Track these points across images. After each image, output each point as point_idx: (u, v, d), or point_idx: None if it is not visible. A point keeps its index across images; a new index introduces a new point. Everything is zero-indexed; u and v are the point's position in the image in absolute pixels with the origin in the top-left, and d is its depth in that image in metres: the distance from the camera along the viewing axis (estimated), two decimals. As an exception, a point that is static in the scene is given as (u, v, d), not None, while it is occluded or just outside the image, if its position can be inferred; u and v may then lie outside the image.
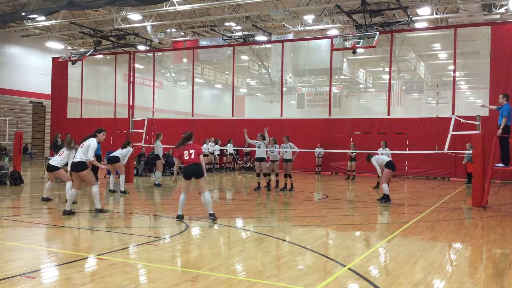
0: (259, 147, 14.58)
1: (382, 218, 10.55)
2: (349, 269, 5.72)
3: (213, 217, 8.86)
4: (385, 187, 12.21)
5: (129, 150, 14.24)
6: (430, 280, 5.41)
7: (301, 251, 6.71)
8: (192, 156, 8.84)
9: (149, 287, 4.98)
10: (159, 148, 15.99)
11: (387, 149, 15.57)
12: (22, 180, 15.25)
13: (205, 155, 21.84)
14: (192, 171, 8.83)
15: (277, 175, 14.97)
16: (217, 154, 23.45)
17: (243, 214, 10.55)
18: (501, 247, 7.26)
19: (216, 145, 22.95)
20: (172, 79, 32.50)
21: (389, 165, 12.18)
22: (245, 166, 24.86)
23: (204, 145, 22.01)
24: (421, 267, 5.90)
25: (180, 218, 8.88)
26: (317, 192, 15.90)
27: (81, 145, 9.57)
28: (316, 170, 23.08)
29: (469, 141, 15.36)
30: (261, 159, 14.67)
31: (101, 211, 9.57)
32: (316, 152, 22.15)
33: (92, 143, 9.44)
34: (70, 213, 9.39)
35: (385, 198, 12.22)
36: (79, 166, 9.33)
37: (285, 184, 14.92)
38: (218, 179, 19.54)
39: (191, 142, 9.05)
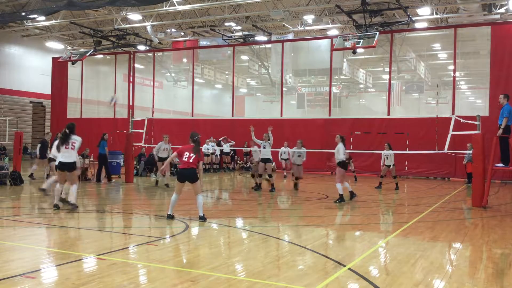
0: (264, 147, 14.55)
1: (382, 218, 10.55)
2: (349, 269, 5.72)
3: (202, 220, 8.86)
4: (338, 187, 12.07)
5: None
6: (430, 280, 5.41)
7: (301, 251, 6.71)
8: (191, 160, 8.84)
9: (149, 287, 4.97)
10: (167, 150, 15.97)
11: (390, 151, 15.57)
12: (22, 180, 15.25)
13: (206, 155, 21.83)
14: (186, 175, 8.85)
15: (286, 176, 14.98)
16: (218, 154, 23.42)
17: (243, 214, 10.54)
18: (501, 247, 7.26)
19: (217, 146, 22.89)
20: (172, 79, 32.51)
21: (340, 164, 12.10)
22: (245, 166, 24.84)
23: (205, 145, 22.00)
24: (421, 267, 5.90)
25: (170, 217, 8.89)
26: (316, 192, 15.88)
27: (72, 146, 9.84)
28: (285, 174, 20.65)
29: (469, 141, 15.36)
30: (266, 160, 14.65)
31: (73, 205, 9.82)
32: (281, 152, 19.53)
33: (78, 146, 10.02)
34: (58, 207, 9.87)
35: (340, 198, 12.03)
36: (74, 166, 9.78)
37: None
38: (218, 179, 19.54)
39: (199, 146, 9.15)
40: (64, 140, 9.82)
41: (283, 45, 24.96)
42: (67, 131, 9.92)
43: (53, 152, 11.83)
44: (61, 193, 10.13)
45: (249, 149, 21.50)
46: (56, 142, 10.95)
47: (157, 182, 16.09)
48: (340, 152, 12.09)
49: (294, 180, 15.09)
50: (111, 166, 17.60)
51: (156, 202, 12.67)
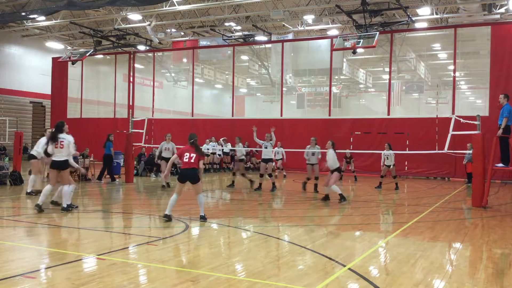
0: (265, 147, 14.52)
1: (382, 218, 10.55)
2: (349, 269, 5.72)
3: (203, 219, 8.85)
4: (335, 188, 12.16)
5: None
6: (430, 280, 5.41)
7: (301, 251, 6.71)
8: (192, 161, 8.75)
9: (149, 287, 4.97)
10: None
11: (390, 151, 15.57)
12: (22, 180, 15.23)
13: (206, 155, 21.79)
14: (188, 175, 8.77)
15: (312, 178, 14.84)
16: (218, 154, 23.38)
17: (243, 214, 10.54)
18: (501, 247, 7.26)
19: (218, 145, 22.84)
20: (172, 79, 32.51)
21: (338, 169, 12.25)
22: (245, 166, 24.81)
23: (204, 145, 21.97)
24: (421, 267, 5.90)
25: (167, 217, 8.70)
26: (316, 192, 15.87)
27: (61, 145, 9.55)
28: (280, 173, 20.41)
29: (469, 141, 15.36)
30: (267, 160, 14.62)
31: (70, 207, 9.68)
32: (275, 152, 19.12)
33: (72, 142, 9.70)
34: (41, 209, 9.53)
35: (342, 198, 12.13)
36: (65, 165, 9.56)
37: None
38: (218, 179, 19.53)
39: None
40: (53, 140, 9.62)
41: (283, 45, 24.96)
42: (54, 130, 9.74)
43: (35, 149, 11.69)
44: (49, 193, 9.91)
45: (249, 149, 21.44)
46: (41, 140, 10.81)
47: (163, 186, 15.69)
48: (330, 159, 12.14)
49: (306, 180, 14.89)
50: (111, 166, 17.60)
51: (156, 202, 12.67)
